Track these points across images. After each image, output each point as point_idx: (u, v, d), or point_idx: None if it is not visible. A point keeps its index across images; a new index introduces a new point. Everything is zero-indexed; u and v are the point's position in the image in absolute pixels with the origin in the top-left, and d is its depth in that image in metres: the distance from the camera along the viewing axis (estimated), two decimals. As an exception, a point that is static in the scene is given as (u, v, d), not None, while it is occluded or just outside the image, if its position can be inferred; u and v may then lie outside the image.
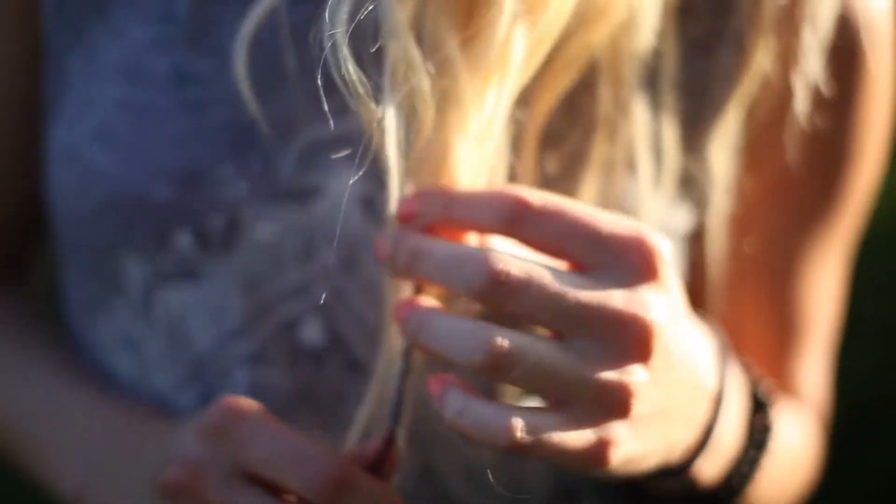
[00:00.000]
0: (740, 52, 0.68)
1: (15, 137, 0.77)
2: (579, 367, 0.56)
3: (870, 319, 1.86)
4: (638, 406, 0.57)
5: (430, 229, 0.59)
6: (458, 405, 0.56)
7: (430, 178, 0.60)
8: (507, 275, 0.55)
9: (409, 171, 0.59)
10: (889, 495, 1.82)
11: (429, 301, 0.60)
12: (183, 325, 0.69)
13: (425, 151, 0.59)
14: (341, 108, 0.63)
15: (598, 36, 0.64)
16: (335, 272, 0.67)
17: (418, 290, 0.61)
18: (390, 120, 0.57)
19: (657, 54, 0.67)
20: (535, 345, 0.56)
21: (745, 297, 0.77)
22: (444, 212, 0.59)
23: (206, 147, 0.66)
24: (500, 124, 0.60)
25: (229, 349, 0.68)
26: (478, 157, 0.60)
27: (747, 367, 0.72)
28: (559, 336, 0.57)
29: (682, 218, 0.71)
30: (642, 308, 0.57)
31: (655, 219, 0.69)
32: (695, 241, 0.73)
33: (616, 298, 0.56)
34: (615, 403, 0.57)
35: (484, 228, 0.58)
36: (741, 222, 0.73)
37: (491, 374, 0.56)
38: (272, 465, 0.59)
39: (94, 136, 0.68)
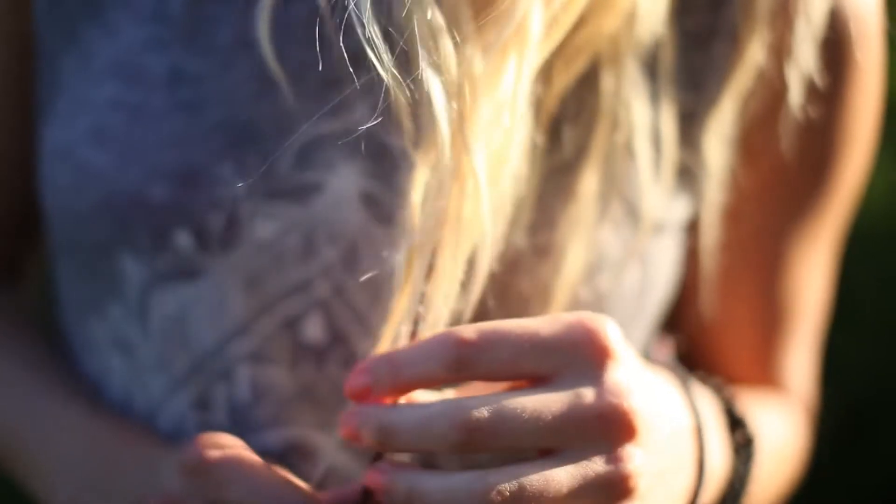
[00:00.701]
0: (735, 44, 0.69)
1: (9, 137, 0.77)
2: (582, 478, 0.57)
3: (873, 316, 1.87)
4: (642, 482, 0.58)
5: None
6: None
7: (450, 151, 0.59)
8: (479, 420, 0.56)
9: (425, 147, 0.60)
10: (891, 491, 1.82)
11: (399, 460, 0.60)
12: (182, 326, 0.69)
13: (446, 127, 0.59)
14: (341, 104, 0.64)
15: (608, 24, 0.65)
16: (336, 269, 0.67)
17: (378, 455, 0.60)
18: (434, 83, 0.58)
19: (656, 47, 0.68)
20: (537, 477, 0.56)
21: (736, 288, 0.78)
22: (393, 378, 0.59)
23: (203, 146, 0.67)
24: (523, 100, 0.61)
25: (230, 348, 0.68)
26: (500, 132, 0.60)
27: (717, 388, 0.73)
28: (548, 452, 0.58)
29: (680, 209, 0.71)
30: (615, 395, 0.57)
31: (656, 209, 0.69)
32: (691, 232, 0.74)
33: (588, 397, 0.57)
34: (623, 491, 0.58)
35: (435, 381, 0.59)
36: (734, 213, 0.74)
37: None
38: None
39: (90, 135, 0.68)
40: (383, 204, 0.66)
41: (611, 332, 0.58)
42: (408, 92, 0.59)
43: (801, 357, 0.83)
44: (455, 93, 0.59)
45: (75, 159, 0.69)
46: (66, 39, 0.71)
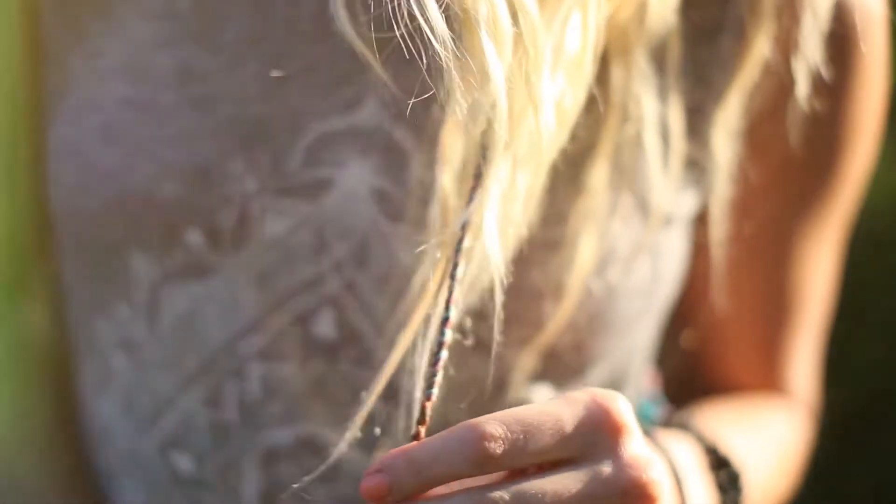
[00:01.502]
0: (741, 38, 0.69)
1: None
2: None
3: (876, 315, 1.87)
4: None
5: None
6: None
7: (507, 121, 0.59)
8: None
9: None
10: (891, 491, 1.83)
11: None
12: (192, 324, 0.69)
13: (504, 94, 0.58)
14: (351, 100, 0.63)
15: (620, 13, 0.65)
16: (347, 265, 0.67)
17: None
18: (487, 44, 0.57)
19: (663, 40, 0.68)
20: None
21: (742, 282, 0.78)
22: (416, 478, 0.56)
23: (214, 143, 0.67)
24: (590, 58, 0.61)
25: (241, 345, 0.68)
26: (569, 96, 0.60)
27: (699, 433, 0.73)
28: None
29: (688, 202, 0.72)
30: (635, 468, 0.57)
31: (665, 202, 0.69)
32: (699, 226, 0.74)
33: (607, 473, 0.56)
34: None
35: (459, 477, 0.56)
36: (741, 206, 0.74)
37: None
38: None
39: (98, 134, 0.68)
40: (394, 200, 0.66)
41: (623, 406, 0.57)
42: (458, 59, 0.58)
43: (804, 355, 0.83)
44: (515, 55, 0.58)
45: (83, 158, 0.69)
46: (74, 38, 0.70)
